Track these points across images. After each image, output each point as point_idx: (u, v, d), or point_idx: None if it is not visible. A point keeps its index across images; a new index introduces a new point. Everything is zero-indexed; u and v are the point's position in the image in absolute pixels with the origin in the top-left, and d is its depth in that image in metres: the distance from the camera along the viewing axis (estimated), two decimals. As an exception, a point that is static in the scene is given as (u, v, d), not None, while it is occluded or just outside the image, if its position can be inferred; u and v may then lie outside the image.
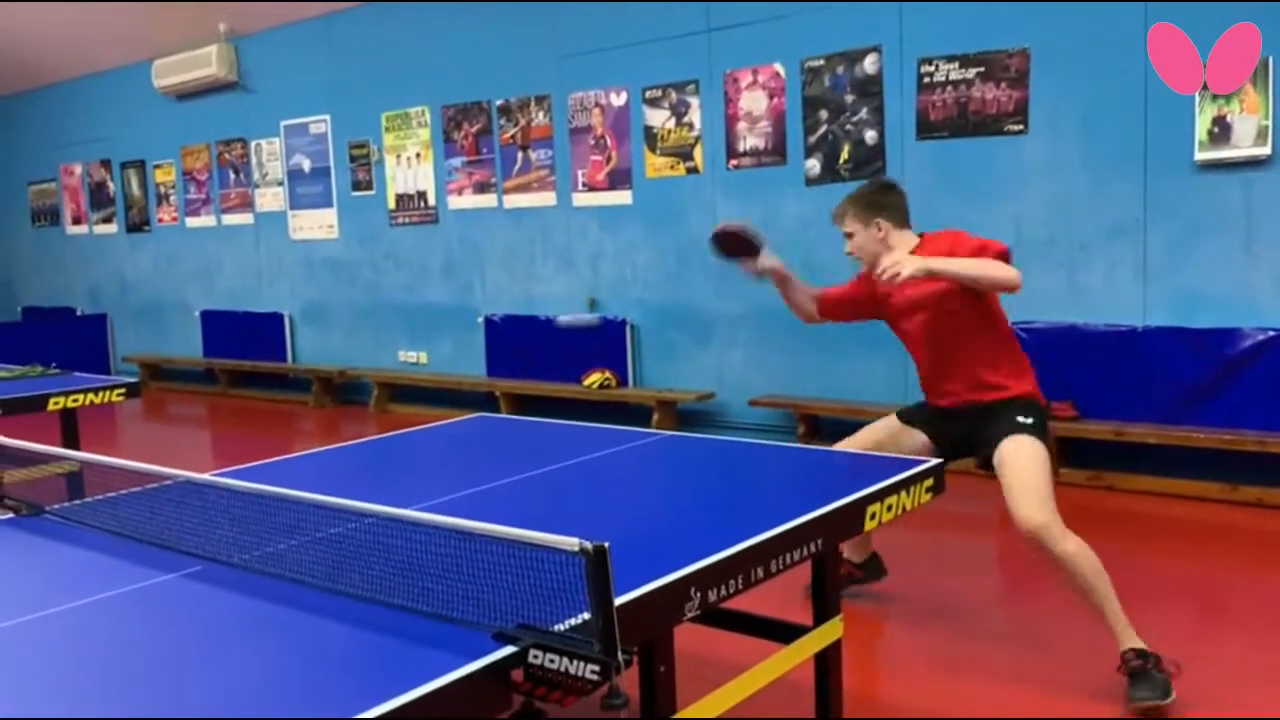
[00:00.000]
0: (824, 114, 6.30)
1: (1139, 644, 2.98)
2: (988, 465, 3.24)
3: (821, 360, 6.44)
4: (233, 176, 9.95)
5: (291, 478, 2.74)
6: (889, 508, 2.51)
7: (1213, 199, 5.14)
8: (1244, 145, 4.99)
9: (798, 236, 6.49)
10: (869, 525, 2.45)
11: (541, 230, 7.75)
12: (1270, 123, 4.91)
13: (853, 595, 3.80)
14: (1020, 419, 3.19)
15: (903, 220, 3.42)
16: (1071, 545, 2.99)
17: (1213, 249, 5.17)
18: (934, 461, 2.77)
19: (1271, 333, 5.01)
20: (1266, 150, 4.94)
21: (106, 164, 11.27)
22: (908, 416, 3.54)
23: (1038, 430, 3.18)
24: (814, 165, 6.38)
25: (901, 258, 3.04)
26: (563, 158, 7.54)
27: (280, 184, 9.53)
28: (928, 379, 3.45)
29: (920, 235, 3.42)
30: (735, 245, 3.58)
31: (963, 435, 3.35)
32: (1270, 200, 5.00)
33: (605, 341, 7.37)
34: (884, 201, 3.41)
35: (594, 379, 7.26)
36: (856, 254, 3.45)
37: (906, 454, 3.53)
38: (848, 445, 3.50)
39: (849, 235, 3.44)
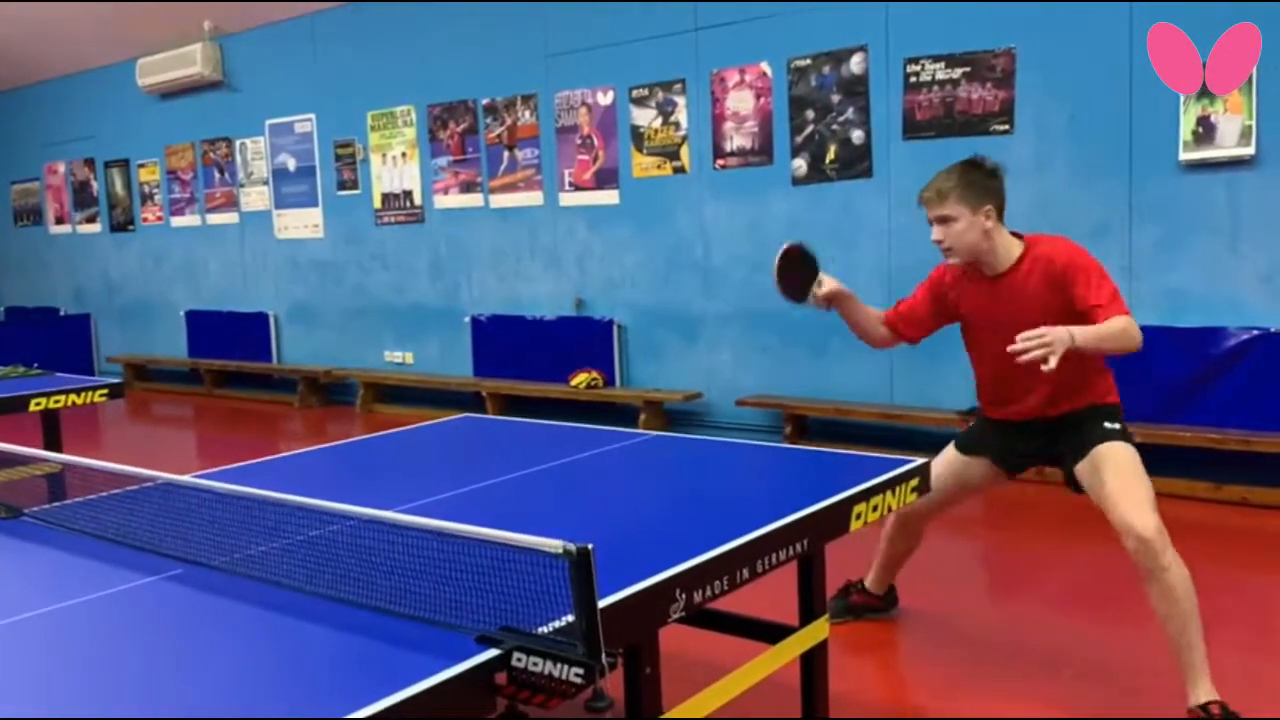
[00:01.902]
0: (810, 114, 6.30)
1: (1218, 697, 2.75)
2: (1072, 477, 3.05)
3: (808, 360, 6.44)
4: (217, 176, 9.90)
5: (276, 479, 2.72)
6: (874, 508, 2.50)
7: (1198, 199, 5.16)
8: (1228, 145, 5.01)
9: (784, 236, 6.45)
10: (855, 525, 2.44)
11: (528, 230, 7.74)
12: (1254, 123, 4.93)
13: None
14: (1108, 425, 2.99)
15: (1003, 212, 3.03)
16: (1178, 565, 2.77)
17: (1198, 249, 5.19)
18: (919, 461, 2.76)
19: (1256, 332, 5.03)
20: (1250, 150, 4.96)
21: (90, 163, 11.20)
22: (968, 445, 3.29)
23: (1126, 436, 2.99)
24: (800, 165, 6.38)
25: (1051, 337, 2.66)
26: (549, 157, 7.53)
27: (265, 183, 9.49)
28: (1001, 391, 3.12)
29: (1020, 237, 3.07)
30: (794, 273, 3.18)
31: (1037, 448, 3.15)
32: (1254, 200, 5.02)
33: (592, 341, 7.36)
34: (995, 186, 2.99)
35: (581, 379, 7.24)
36: (950, 244, 3.00)
37: (973, 492, 3.39)
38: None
39: (946, 220, 2.97)
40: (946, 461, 3.32)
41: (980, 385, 3.25)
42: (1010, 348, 2.73)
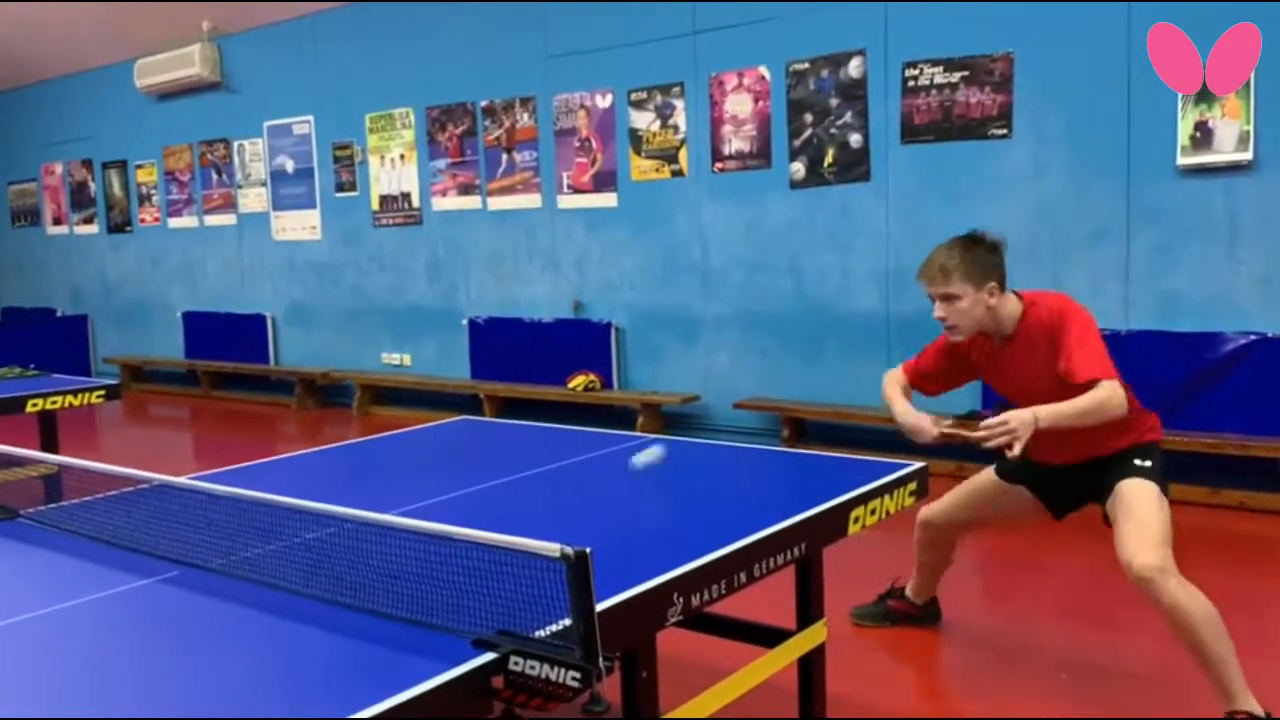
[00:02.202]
0: (809, 117, 6.31)
1: (1255, 708, 2.73)
2: (1105, 512, 3.02)
3: (806, 364, 6.44)
4: (215, 177, 9.89)
5: (272, 481, 2.72)
6: (872, 511, 2.50)
7: (1195, 204, 5.16)
8: (1225, 150, 5.01)
9: (782, 239, 6.50)
10: (852, 529, 2.44)
11: (526, 232, 7.73)
12: (1251, 128, 4.94)
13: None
14: (1137, 462, 2.95)
15: (1005, 283, 3.00)
16: (1183, 596, 2.71)
17: (1195, 253, 5.19)
18: (917, 465, 2.76)
19: (1253, 337, 5.04)
20: (1248, 155, 4.96)
21: (88, 164, 11.19)
22: (1009, 473, 3.23)
23: (1154, 473, 2.94)
24: (799, 168, 6.38)
25: (1015, 424, 2.69)
26: (547, 160, 7.53)
27: (263, 185, 9.49)
28: (1042, 440, 2.93)
29: (1020, 295, 3.04)
30: None
31: (1079, 491, 3.12)
32: (1251, 205, 5.03)
33: (590, 344, 7.36)
34: (997, 261, 2.97)
35: (579, 382, 7.24)
36: (953, 321, 2.97)
37: (1006, 518, 3.37)
38: (928, 513, 3.33)
39: (951, 298, 2.93)
40: (984, 482, 3.30)
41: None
42: (972, 435, 2.77)
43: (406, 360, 8.62)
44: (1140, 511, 2.85)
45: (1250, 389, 5.03)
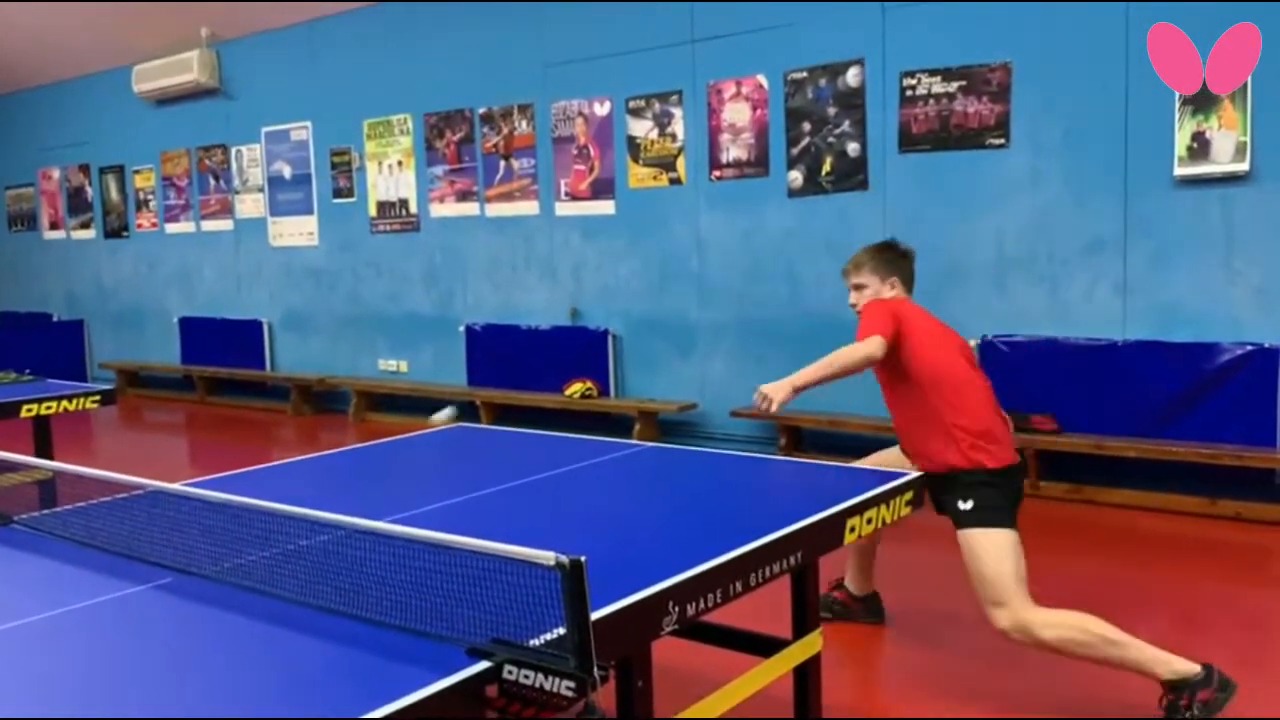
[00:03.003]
0: (807, 126, 6.31)
1: (1177, 669, 2.80)
2: None
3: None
4: (213, 183, 9.89)
5: (267, 487, 2.71)
6: (868, 520, 2.50)
7: (1192, 214, 5.17)
8: (1223, 161, 5.02)
9: (780, 248, 6.50)
10: (849, 538, 2.44)
11: (524, 239, 7.73)
12: (1249, 139, 4.95)
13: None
14: (960, 505, 2.99)
15: (911, 287, 3.37)
16: (1050, 635, 2.83)
17: (1192, 264, 5.20)
18: (914, 474, 2.76)
19: (1249, 347, 5.04)
20: (1245, 166, 4.97)
21: (85, 169, 11.19)
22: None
23: (978, 514, 2.96)
24: (796, 177, 6.39)
25: (769, 389, 2.97)
26: (545, 167, 7.53)
27: (261, 190, 9.48)
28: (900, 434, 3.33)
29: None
30: None
31: (938, 502, 3.15)
32: (1248, 216, 5.03)
33: (587, 351, 7.35)
34: (904, 264, 3.36)
35: (575, 389, 7.23)
36: (858, 307, 3.34)
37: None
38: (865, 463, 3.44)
39: (859, 287, 3.35)
40: (894, 453, 3.45)
41: None
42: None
43: (403, 367, 8.61)
44: (976, 571, 2.94)
45: (1247, 399, 5.03)
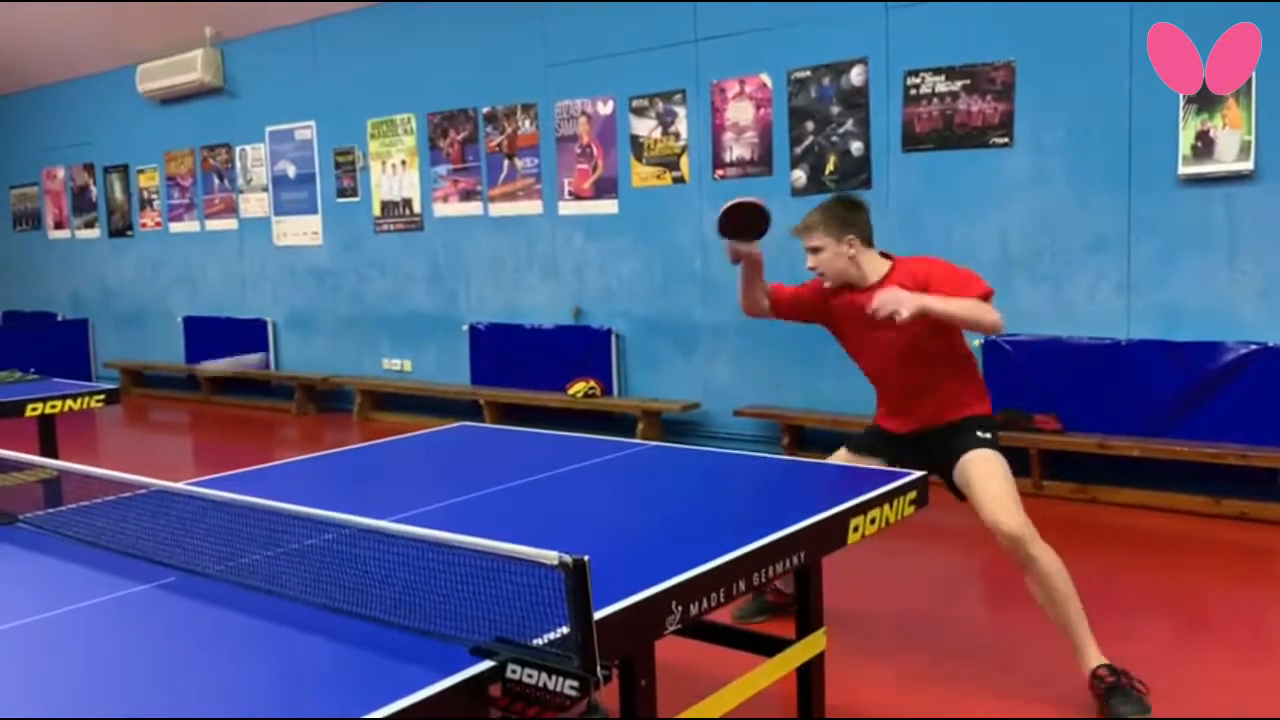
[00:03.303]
0: (810, 125, 6.31)
1: (1105, 661, 3.01)
2: (950, 481, 3.26)
3: (806, 371, 6.44)
4: (217, 182, 9.90)
5: (271, 487, 2.71)
6: (872, 520, 2.50)
7: (1196, 213, 5.16)
8: (1227, 160, 5.01)
9: (783, 246, 6.48)
10: (852, 538, 2.44)
11: (527, 239, 7.74)
12: (1253, 138, 4.94)
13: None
14: (980, 433, 3.23)
15: (870, 239, 3.38)
16: (1043, 553, 3.03)
17: (1196, 263, 5.19)
18: (917, 474, 2.76)
19: (1254, 347, 5.03)
20: (1249, 165, 4.96)
21: (90, 168, 11.20)
22: (858, 445, 3.51)
23: (995, 444, 3.24)
24: (800, 176, 6.38)
25: (901, 296, 2.98)
26: (549, 166, 7.53)
27: (265, 190, 9.49)
28: (890, 400, 3.42)
29: (890, 258, 3.37)
30: (743, 222, 3.44)
31: (925, 460, 3.25)
32: (1252, 215, 5.02)
33: (590, 351, 7.36)
34: (855, 218, 3.35)
35: (579, 388, 7.23)
36: (821, 269, 3.40)
37: None
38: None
39: (815, 250, 3.38)
40: (838, 458, 3.48)
41: (879, 392, 3.50)
42: (869, 308, 3.05)
43: (407, 366, 8.62)
44: (995, 480, 3.11)
45: (1251, 399, 5.02)
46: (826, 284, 3.42)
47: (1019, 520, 3.02)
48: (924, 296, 3.01)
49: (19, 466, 2.76)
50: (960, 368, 3.32)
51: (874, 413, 3.56)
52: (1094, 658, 3.01)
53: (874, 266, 3.34)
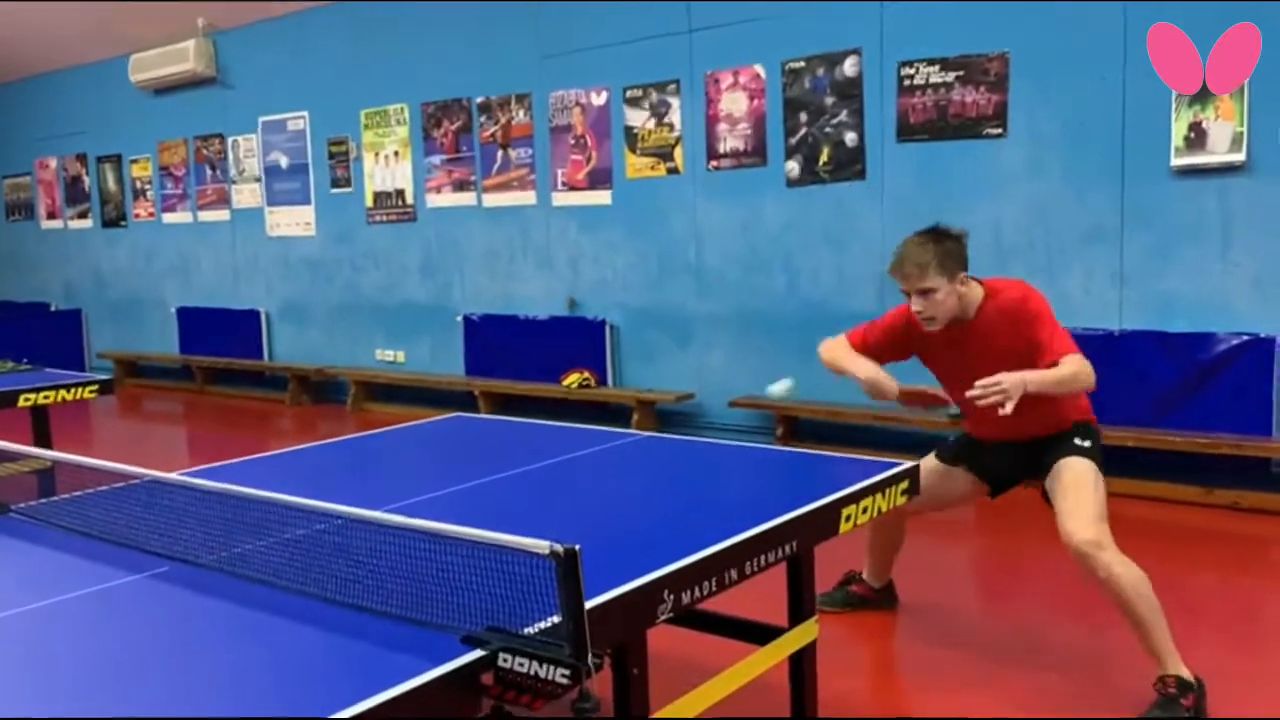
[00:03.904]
0: (804, 116, 6.30)
1: (1184, 672, 2.90)
2: (1045, 493, 3.16)
3: (800, 362, 6.42)
4: (210, 172, 9.87)
5: (264, 477, 2.71)
6: (864, 510, 2.50)
7: (1189, 205, 5.17)
8: (1219, 151, 5.02)
9: (777, 238, 6.50)
10: (844, 527, 2.44)
11: (521, 229, 7.73)
12: (1245, 129, 4.95)
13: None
14: (1078, 441, 3.13)
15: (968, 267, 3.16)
16: (1119, 568, 2.89)
17: (1189, 254, 5.20)
18: (908, 464, 2.77)
19: (1246, 337, 5.05)
20: (1241, 157, 4.97)
21: (82, 158, 11.16)
22: (950, 456, 3.41)
23: (1092, 453, 3.11)
24: (794, 167, 6.38)
25: (1007, 387, 2.83)
26: (543, 157, 7.52)
27: (258, 180, 9.47)
28: (988, 416, 3.03)
29: (981, 282, 3.18)
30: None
31: (1018, 466, 3.26)
32: (1245, 206, 5.03)
33: (584, 341, 7.36)
34: (964, 251, 3.11)
35: (573, 379, 7.24)
36: (932, 314, 3.08)
37: (947, 496, 3.48)
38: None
39: (928, 292, 3.04)
40: (927, 464, 3.37)
41: (971, 411, 3.26)
42: (968, 393, 2.93)
43: (400, 357, 8.61)
44: (1080, 489, 3.02)
45: (1243, 389, 5.04)
46: (932, 328, 3.13)
47: (1092, 533, 2.91)
48: (1027, 377, 2.89)
49: (12, 457, 2.76)
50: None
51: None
52: (1171, 665, 2.91)
53: (973, 298, 3.14)
